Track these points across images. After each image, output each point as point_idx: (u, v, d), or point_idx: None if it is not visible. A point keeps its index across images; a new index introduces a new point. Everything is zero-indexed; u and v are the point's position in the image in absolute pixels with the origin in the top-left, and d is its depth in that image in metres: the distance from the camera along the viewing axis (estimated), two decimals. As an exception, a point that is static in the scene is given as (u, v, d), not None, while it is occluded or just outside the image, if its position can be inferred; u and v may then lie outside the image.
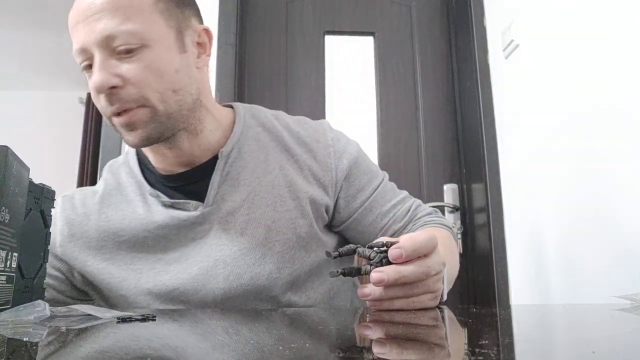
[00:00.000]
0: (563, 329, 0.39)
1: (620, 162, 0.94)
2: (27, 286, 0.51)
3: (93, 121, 4.06)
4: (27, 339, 0.34)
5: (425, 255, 0.52)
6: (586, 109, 1.06)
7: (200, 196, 0.74)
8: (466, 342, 0.34)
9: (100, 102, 0.66)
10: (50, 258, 0.73)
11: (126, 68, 0.64)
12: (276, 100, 1.77)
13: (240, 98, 1.73)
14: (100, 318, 0.44)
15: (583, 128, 1.08)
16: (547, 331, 0.37)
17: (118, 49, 0.63)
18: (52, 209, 0.57)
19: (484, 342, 0.31)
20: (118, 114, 0.65)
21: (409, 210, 0.82)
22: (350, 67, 1.85)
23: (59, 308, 0.48)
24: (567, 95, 1.15)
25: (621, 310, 0.51)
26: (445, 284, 0.58)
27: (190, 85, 0.70)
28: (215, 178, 0.73)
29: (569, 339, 0.33)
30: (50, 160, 3.78)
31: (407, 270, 0.50)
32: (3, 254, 0.44)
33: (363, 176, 0.80)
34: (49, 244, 0.56)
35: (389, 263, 0.51)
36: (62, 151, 4.03)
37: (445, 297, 0.58)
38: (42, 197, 0.54)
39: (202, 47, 0.73)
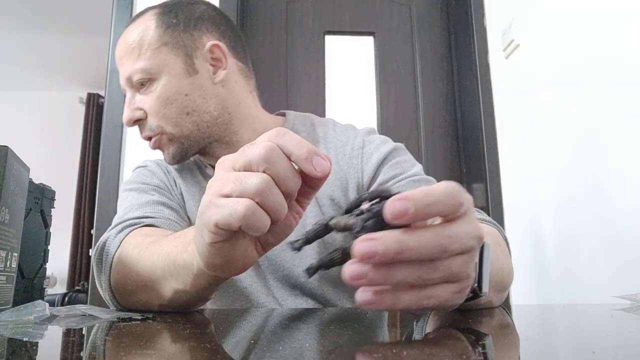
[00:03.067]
0: (563, 329, 0.39)
1: (621, 162, 0.94)
2: (27, 286, 0.51)
3: (93, 121, 4.06)
4: (27, 339, 0.34)
5: (447, 220, 0.32)
6: (586, 108, 1.06)
7: None
8: (466, 342, 0.34)
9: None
10: (156, 196, 0.75)
11: (144, 101, 0.73)
12: (276, 100, 1.76)
13: (240, 98, 1.73)
14: (100, 318, 0.44)
15: (583, 128, 1.08)
16: (547, 331, 0.37)
17: (137, 85, 0.73)
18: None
19: (484, 342, 0.31)
20: (149, 138, 0.75)
21: None
22: (350, 67, 1.85)
23: (59, 308, 0.48)
24: (567, 95, 1.15)
25: (621, 310, 0.51)
26: (485, 273, 0.37)
27: (205, 104, 0.75)
28: None
29: (569, 339, 0.33)
30: (50, 160, 3.78)
31: (416, 238, 0.30)
32: (3, 254, 0.44)
33: (390, 170, 0.76)
34: (49, 244, 0.56)
35: (384, 228, 0.31)
36: (62, 151, 4.03)
37: (483, 292, 0.37)
38: (42, 197, 0.54)
39: (217, 61, 0.76)
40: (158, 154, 0.79)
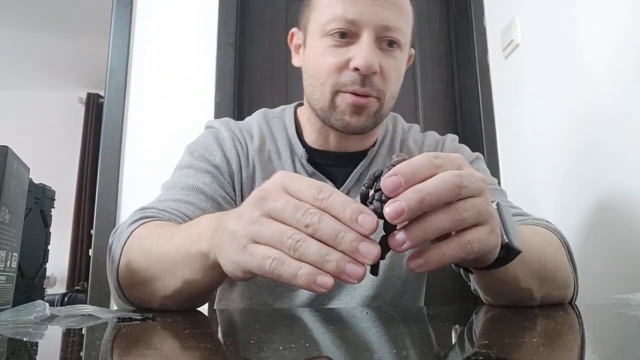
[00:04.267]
0: (563, 329, 0.39)
1: (621, 162, 0.94)
2: (27, 286, 0.51)
3: (93, 121, 4.06)
4: (27, 339, 0.34)
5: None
6: (586, 108, 1.06)
7: (335, 182, 0.77)
8: (467, 341, 0.34)
9: (342, 76, 0.68)
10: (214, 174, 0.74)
11: (385, 60, 0.68)
12: (276, 100, 1.76)
13: (240, 98, 1.73)
14: (100, 318, 0.44)
15: (583, 128, 1.08)
16: (547, 331, 0.37)
17: (384, 40, 0.68)
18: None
19: (484, 342, 0.31)
20: (355, 94, 0.68)
21: (510, 207, 0.75)
22: (350, 67, 1.85)
23: (59, 308, 0.48)
24: (567, 95, 1.15)
25: (621, 310, 0.51)
26: (511, 229, 0.43)
27: (397, 93, 0.75)
28: (357, 172, 0.77)
29: (569, 339, 0.33)
30: (50, 160, 3.78)
31: (430, 184, 0.35)
32: (3, 254, 0.44)
33: None
34: (49, 244, 0.56)
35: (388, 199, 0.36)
36: (62, 151, 4.03)
37: (515, 245, 0.43)
38: (42, 197, 0.54)
39: (410, 57, 0.78)
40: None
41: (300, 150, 0.77)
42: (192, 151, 0.77)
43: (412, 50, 0.79)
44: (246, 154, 0.77)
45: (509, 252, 0.43)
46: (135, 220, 0.62)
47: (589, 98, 1.05)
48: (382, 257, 0.36)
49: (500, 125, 1.58)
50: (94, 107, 4.11)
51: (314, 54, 0.71)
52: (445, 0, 1.88)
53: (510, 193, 0.87)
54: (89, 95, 4.15)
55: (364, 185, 0.38)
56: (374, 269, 0.37)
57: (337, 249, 0.35)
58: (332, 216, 0.35)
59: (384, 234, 0.37)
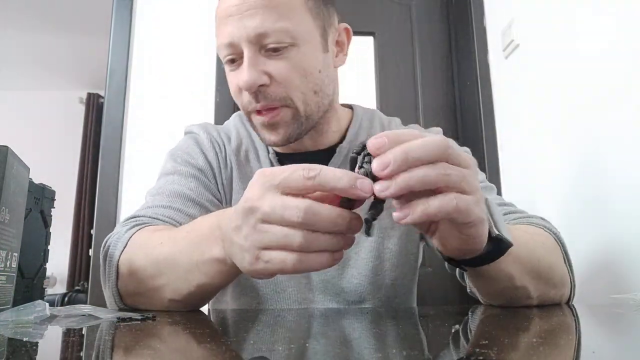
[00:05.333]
0: (563, 329, 0.39)
1: (621, 162, 0.94)
2: (27, 286, 0.51)
3: (93, 121, 4.06)
4: (27, 339, 0.34)
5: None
6: (586, 108, 1.06)
7: None
8: (467, 341, 0.34)
9: (243, 99, 0.67)
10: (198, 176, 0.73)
11: (274, 66, 0.64)
12: (276, 100, 1.77)
13: (240, 98, 1.73)
14: (100, 318, 0.44)
15: (583, 127, 1.08)
16: (546, 331, 0.37)
17: (268, 47, 0.63)
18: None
19: (484, 342, 0.31)
20: (259, 112, 0.66)
21: (503, 205, 0.73)
22: (350, 67, 1.85)
23: (59, 308, 0.48)
24: (567, 95, 1.15)
25: (621, 310, 0.51)
26: (499, 219, 0.44)
27: (328, 87, 0.70)
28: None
29: (569, 339, 0.33)
30: (50, 160, 3.78)
31: (417, 143, 0.36)
32: (3, 254, 0.44)
33: None
34: (49, 244, 0.56)
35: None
36: (62, 151, 4.03)
37: (505, 236, 0.44)
38: (42, 197, 0.54)
39: (340, 46, 0.73)
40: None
41: (274, 157, 0.76)
42: (174, 157, 0.76)
43: (343, 25, 0.73)
44: (224, 156, 0.77)
45: (499, 245, 0.44)
46: (131, 227, 0.61)
47: (589, 98, 1.05)
48: (374, 217, 0.38)
49: (500, 125, 1.58)
50: (94, 107, 4.11)
51: (228, 80, 0.71)
52: (445, 0, 1.88)
53: (510, 192, 0.87)
54: (89, 95, 4.16)
55: (353, 152, 0.40)
56: (369, 229, 0.39)
57: (334, 231, 0.38)
58: (329, 189, 0.37)
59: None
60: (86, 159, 4.00)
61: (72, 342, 0.35)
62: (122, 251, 0.57)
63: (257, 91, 0.64)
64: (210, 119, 1.65)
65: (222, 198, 0.75)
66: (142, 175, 1.63)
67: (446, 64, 1.83)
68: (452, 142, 0.40)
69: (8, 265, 0.45)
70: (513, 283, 0.51)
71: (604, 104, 1.00)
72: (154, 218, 0.65)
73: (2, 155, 0.43)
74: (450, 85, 1.82)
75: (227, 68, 0.68)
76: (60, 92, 4.23)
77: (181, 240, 0.53)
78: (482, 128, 1.61)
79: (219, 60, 1.69)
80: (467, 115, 1.73)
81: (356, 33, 1.85)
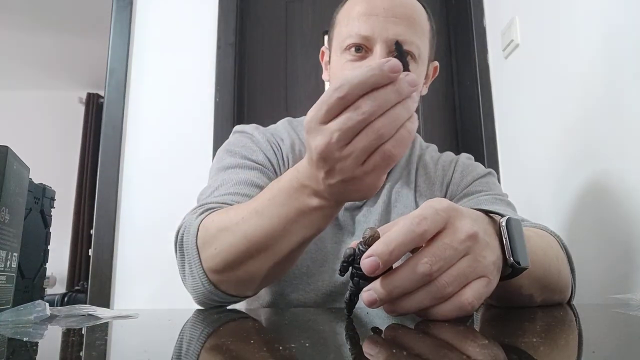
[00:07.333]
0: (563, 329, 0.39)
1: (621, 162, 0.94)
2: (27, 286, 0.51)
3: (93, 121, 4.06)
4: (27, 339, 0.34)
5: (435, 238, 0.37)
6: (586, 108, 1.06)
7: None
8: (466, 341, 0.34)
9: None
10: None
11: None
12: (276, 100, 1.76)
13: (240, 98, 1.73)
14: (100, 318, 0.44)
15: (583, 128, 1.08)
16: (547, 331, 0.37)
17: (394, 51, 0.69)
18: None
19: (484, 342, 0.31)
20: None
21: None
22: (350, 67, 1.85)
23: (59, 308, 0.48)
24: (567, 95, 1.15)
25: (621, 310, 0.51)
26: (519, 245, 0.42)
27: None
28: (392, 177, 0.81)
29: (569, 339, 0.33)
30: (51, 160, 3.78)
31: (398, 279, 0.36)
32: (3, 254, 0.44)
33: (480, 185, 0.82)
34: (49, 244, 0.56)
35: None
36: (62, 151, 4.03)
37: (522, 264, 0.42)
38: (42, 197, 0.54)
39: (426, 78, 0.81)
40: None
41: None
42: (232, 153, 0.77)
43: (437, 63, 0.83)
44: (281, 153, 0.80)
45: (515, 269, 0.43)
46: (201, 213, 0.61)
47: (589, 98, 1.05)
48: (353, 297, 0.42)
49: (500, 125, 1.58)
50: (94, 107, 4.11)
51: (335, 68, 0.77)
52: (445, 0, 1.88)
53: (510, 192, 0.87)
54: (89, 95, 4.16)
55: (343, 261, 0.41)
56: (349, 308, 0.44)
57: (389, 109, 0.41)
58: (361, 88, 0.40)
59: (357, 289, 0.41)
60: (86, 159, 4.00)
61: (72, 342, 0.35)
62: (197, 236, 0.57)
63: None
64: (210, 119, 1.66)
65: None
66: (142, 175, 1.63)
67: (446, 64, 1.84)
68: (455, 217, 0.38)
69: (8, 265, 0.45)
70: (520, 292, 0.51)
71: (604, 104, 1.00)
72: (221, 203, 0.65)
73: (2, 155, 0.43)
74: (450, 85, 1.82)
75: (345, 56, 0.74)
76: (60, 92, 4.23)
77: (267, 208, 0.53)
78: (482, 128, 1.61)
79: (218, 60, 1.69)
80: (467, 115, 1.73)
81: (356, 33, 1.86)
